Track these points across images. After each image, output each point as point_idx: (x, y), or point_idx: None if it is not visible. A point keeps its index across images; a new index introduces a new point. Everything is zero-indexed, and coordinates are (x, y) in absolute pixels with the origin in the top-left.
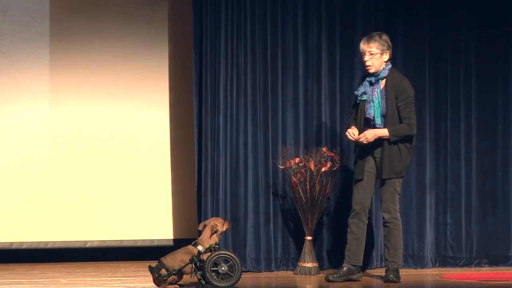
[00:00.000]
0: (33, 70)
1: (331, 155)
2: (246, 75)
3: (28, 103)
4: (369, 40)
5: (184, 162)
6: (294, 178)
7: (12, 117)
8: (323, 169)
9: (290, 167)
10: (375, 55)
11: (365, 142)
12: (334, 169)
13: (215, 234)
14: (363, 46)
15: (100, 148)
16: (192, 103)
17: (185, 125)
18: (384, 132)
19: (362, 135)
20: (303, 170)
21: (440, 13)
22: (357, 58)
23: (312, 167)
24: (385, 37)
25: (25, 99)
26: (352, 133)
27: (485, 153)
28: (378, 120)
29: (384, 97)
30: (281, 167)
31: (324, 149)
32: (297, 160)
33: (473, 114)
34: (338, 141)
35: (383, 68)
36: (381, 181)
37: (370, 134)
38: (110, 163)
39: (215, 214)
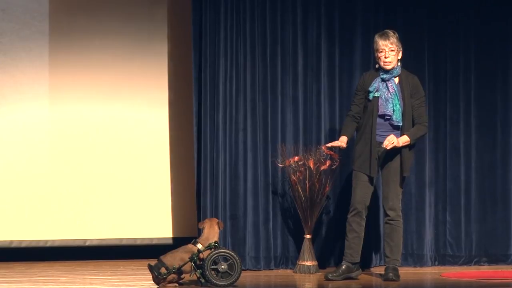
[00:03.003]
0: (32, 68)
1: (330, 154)
2: (246, 74)
3: (27, 101)
4: (388, 37)
5: (184, 161)
6: (293, 176)
7: (12, 115)
8: (322, 168)
9: (290, 165)
10: (394, 52)
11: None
12: (333, 167)
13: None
14: (383, 42)
15: (100, 146)
16: (191, 102)
17: (184, 124)
18: (405, 139)
19: (388, 143)
20: (302, 168)
21: (439, 12)
22: (356, 56)
23: (312, 166)
24: (397, 35)
25: (24, 98)
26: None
27: (484, 151)
28: (398, 118)
29: (400, 94)
30: (281, 165)
31: (323, 147)
32: (296, 158)
33: (472, 112)
34: (337, 140)
35: (398, 66)
36: (387, 178)
37: (392, 142)
38: (109, 161)
39: (214, 212)
